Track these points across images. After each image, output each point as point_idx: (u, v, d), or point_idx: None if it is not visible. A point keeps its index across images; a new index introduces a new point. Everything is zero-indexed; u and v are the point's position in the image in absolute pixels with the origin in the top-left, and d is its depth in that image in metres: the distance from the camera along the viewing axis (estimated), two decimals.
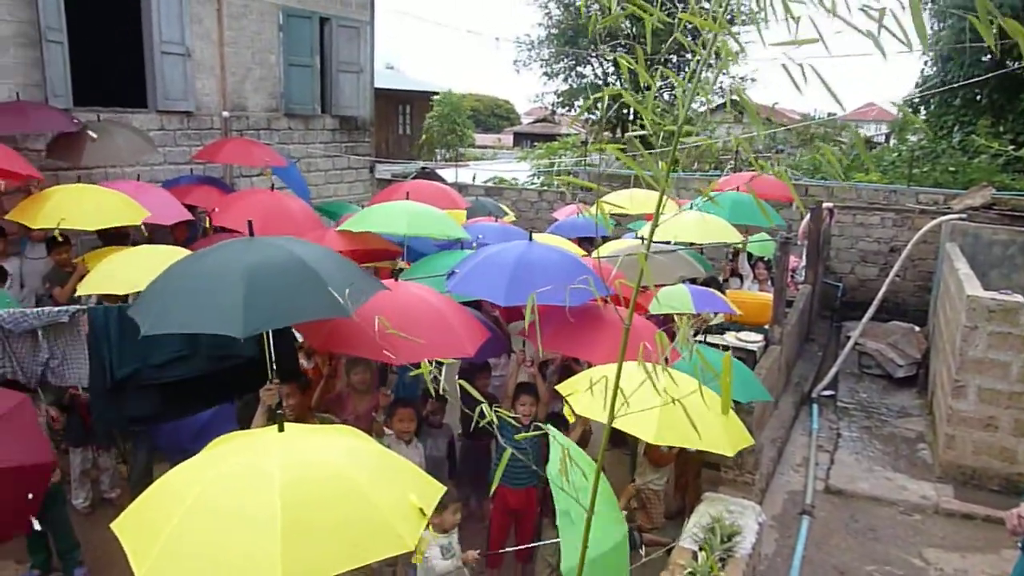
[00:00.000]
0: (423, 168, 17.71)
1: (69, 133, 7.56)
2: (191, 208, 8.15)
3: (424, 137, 24.88)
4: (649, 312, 6.13)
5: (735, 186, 8.80)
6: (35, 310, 4.91)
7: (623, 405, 2.15)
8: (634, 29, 25.48)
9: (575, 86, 27.75)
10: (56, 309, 4.94)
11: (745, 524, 4.73)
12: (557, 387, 4.58)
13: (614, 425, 2.21)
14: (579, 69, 27.59)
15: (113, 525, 2.68)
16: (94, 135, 7.53)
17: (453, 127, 25.27)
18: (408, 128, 26.78)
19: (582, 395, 4.15)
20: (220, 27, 9.66)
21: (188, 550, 2.40)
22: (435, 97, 25.62)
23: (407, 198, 7.27)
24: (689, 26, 2.34)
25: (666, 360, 2.05)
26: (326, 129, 11.80)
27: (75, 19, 8.17)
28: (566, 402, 4.13)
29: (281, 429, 2.80)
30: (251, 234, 4.40)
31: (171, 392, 5.23)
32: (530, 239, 5.86)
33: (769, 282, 9.42)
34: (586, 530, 2.22)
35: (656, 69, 2.41)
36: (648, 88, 2.16)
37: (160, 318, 3.87)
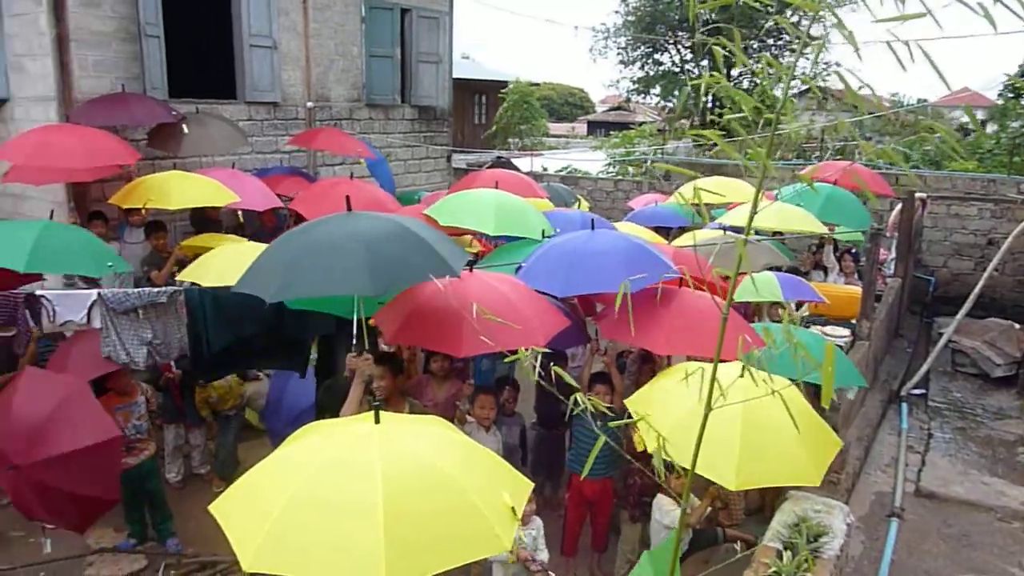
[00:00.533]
0: (499, 157, 17.77)
1: (167, 124, 7.87)
2: (280, 197, 8.41)
3: (495, 126, 24.92)
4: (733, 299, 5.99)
5: (832, 178, 8.45)
6: (136, 290, 5.16)
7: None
8: (713, 15, 24.88)
9: (651, 73, 27.34)
10: (155, 290, 5.19)
11: (832, 524, 4.58)
12: (627, 402, 4.44)
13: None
14: (656, 56, 27.16)
15: (211, 508, 2.72)
16: (187, 128, 7.82)
17: (525, 116, 25.22)
18: (483, 118, 26.88)
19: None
20: (306, 19, 9.88)
21: (292, 540, 2.41)
22: (509, 85, 25.59)
23: (496, 186, 7.18)
24: (772, 10, 2.26)
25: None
26: (405, 119, 11.95)
27: (170, 15, 8.49)
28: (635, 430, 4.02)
29: (377, 420, 2.79)
30: (349, 209, 4.47)
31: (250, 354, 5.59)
32: (592, 227, 5.77)
33: (856, 275, 9.07)
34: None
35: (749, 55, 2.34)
36: (727, 73, 2.08)
37: (285, 286, 3.95)
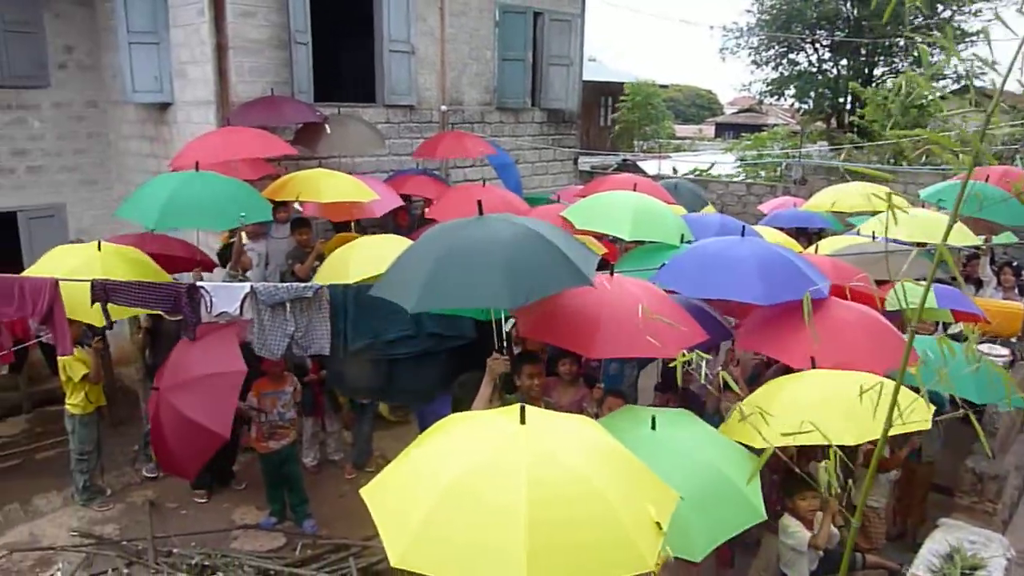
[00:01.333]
0: (624, 160, 17.61)
1: (311, 125, 8.30)
2: (406, 197, 8.70)
3: (617, 128, 24.66)
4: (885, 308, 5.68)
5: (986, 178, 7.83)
6: (285, 285, 5.45)
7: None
8: (855, 12, 23.60)
9: (786, 74, 26.28)
10: (302, 285, 5.46)
11: (989, 557, 4.26)
12: (746, 402, 4.29)
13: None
14: (791, 56, 26.07)
15: (363, 492, 2.82)
16: (328, 129, 8.21)
17: (650, 117, 24.83)
18: (609, 120, 26.73)
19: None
20: (442, 25, 10.14)
21: (437, 542, 2.45)
22: (632, 86, 25.29)
23: (635, 189, 7.13)
24: (921, 4, 2.10)
25: None
26: (535, 122, 12.04)
27: (316, 22, 8.93)
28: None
29: (523, 420, 2.75)
30: (480, 213, 4.55)
31: (395, 373, 5.68)
32: (743, 234, 5.61)
33: (1016, 290, 8.37)
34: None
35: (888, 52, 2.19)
36: (869, 72, 1.96)
37: (426, 296, 4.05)
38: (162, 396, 5.29)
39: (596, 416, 5.16)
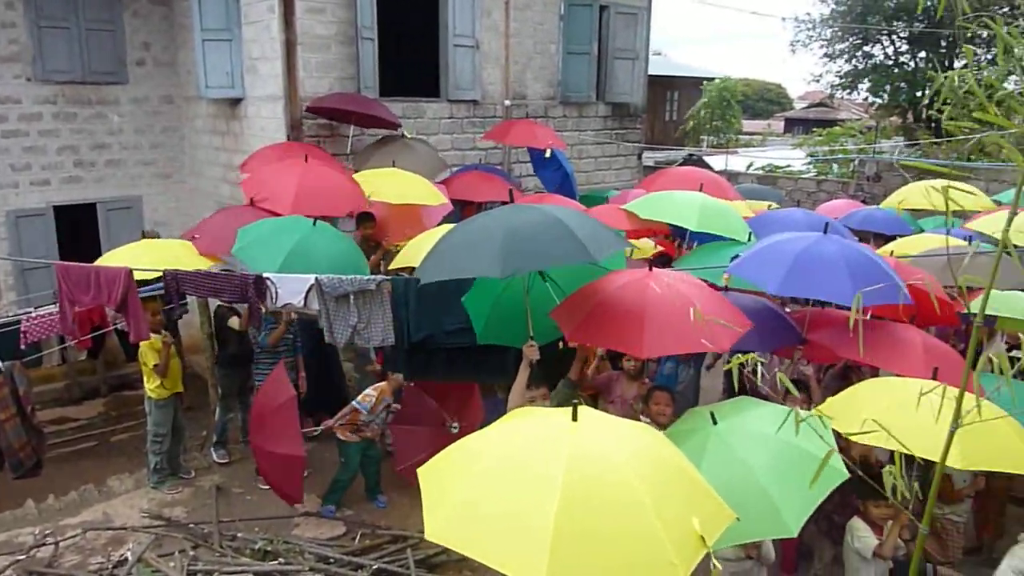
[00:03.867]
0: (690, 155, 17.32)
1: (379, 146, 8.46)
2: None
3: (690, 123, 24.25)
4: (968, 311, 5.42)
5: None
6: (349, 277, 5.52)
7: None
8: (931, 2, 22.49)
9: (860, 67, 25.39)
10: (365, 277, 5.53)
11: None
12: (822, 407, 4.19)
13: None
14: (866, 48, 25.16)
15: (419, 470, 2.92)
16: (394, 162, 7.94)
17: (723, 113, 24.37)
18: (674, 114, 26.31)
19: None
20: (507, 19, 10.12)
21: (471, 518, 2.54)
22: (711, 82, 24.79)
23: (701, 189, 7.01)
24: None
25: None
26: (599, 116, 11.92)
27: (382, 18, 9.02)
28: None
29: (575, 417, 2.76)
30: (511, 201, 4.99)
31: (452, 362, 5.76)
32: (825, 231, 5.40)
33: None
34: None
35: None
36: (949, 66, 1.84)
37: (433, 269, 4.44)
38: (253, 445, 6.04)
39: (643, 411, 5.08)
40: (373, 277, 5.54)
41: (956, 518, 5.25)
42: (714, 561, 2.39)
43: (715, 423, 3.81)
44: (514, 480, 2.57)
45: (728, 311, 4.70)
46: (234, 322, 6.79)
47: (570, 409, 2.80)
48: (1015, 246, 6.27)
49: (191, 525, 6.03)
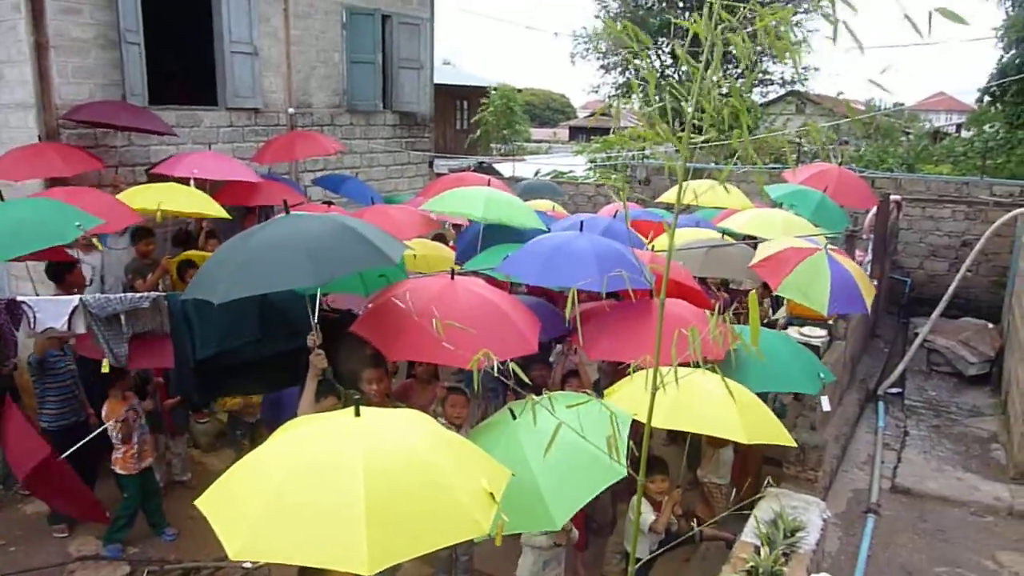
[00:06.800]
0: (480, 163, 17.85)
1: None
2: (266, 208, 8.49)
3: (480, 132, 24.98)
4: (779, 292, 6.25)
5: (822, 185, 8.68)
6: (118, 295, 5.16)
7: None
8: (694, 19, 25.00)
9: (632, 78, 27.57)
10: (138, 295, 5.19)
11: (809, 520, 4.68)
12: (605, 391, 4.61)
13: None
14: (636, 62, 27.35)
15: (197, 502, 2.78)
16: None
17: (509, 121, 25.31)
18: (465, 123, 26.95)
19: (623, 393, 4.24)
20: (287, 26, 9.89)
21: (280, 525, 2.50)
22: (491, 91, 25.66)
23: (488, 184, 7.45)
24: (751, 15, 2.35)
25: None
26: (387, 125, 11.98)
27: (149, 21, 8.48)
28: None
29: (357, 413, 2.86)
30: (287, 212, 4.83)
31: (244, 373, 5.59)
32: (580, 229, 5.93)
33: None
34: None
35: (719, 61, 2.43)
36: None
37: (230, 286, 4.17)
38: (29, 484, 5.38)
39: (440, 414, 5.24)
40: (146, 295, 5.20)
41: (719, 481, 5.89)
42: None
43: (514, 418, 4.01)
44: (314, 480, 2.59)
45: (527, 315, 5.06)
46: None
47: (350, 409, 2.87)
48: (751, 237, 7.17)
49: None
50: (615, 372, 5.93)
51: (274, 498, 2.54)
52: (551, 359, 6.55)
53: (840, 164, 12.59)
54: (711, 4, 2.19)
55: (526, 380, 2.23)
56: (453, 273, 5.08)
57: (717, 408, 4.13)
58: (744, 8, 2.19)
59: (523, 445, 3.85)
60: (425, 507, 2.58)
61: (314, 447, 2.74)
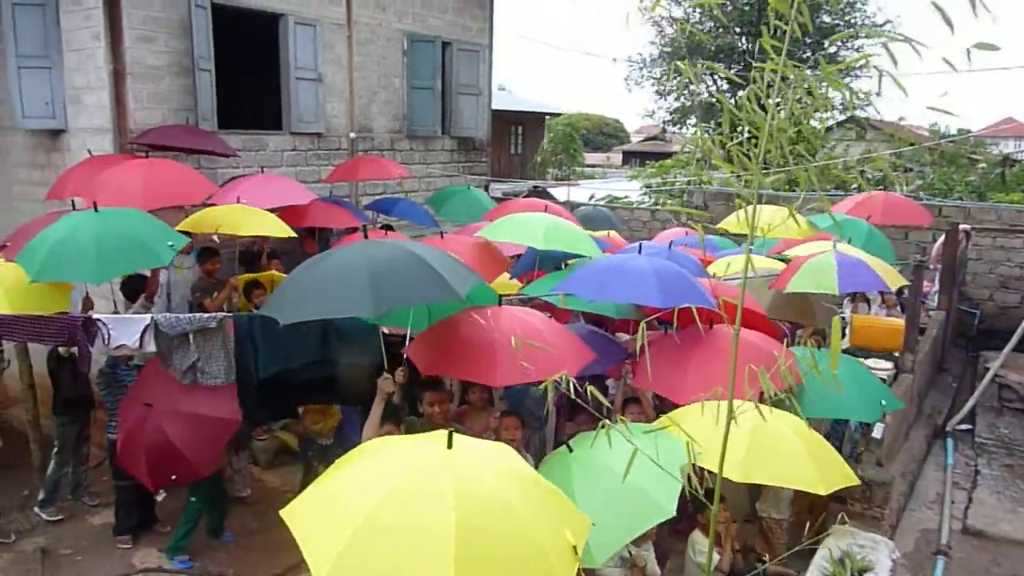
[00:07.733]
0: (535, 187, 17.92)
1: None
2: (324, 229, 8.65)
3: (540, 156, 25.11)
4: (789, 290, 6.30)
5: (866, 214, 8.49)
6: (187, 315, 5.31)
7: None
8: (748, 45, 24.91)
9: (688, 104, 27.41)
10: (206, 315, 5.33)
11: (877, 560, 4.52)
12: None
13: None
14: (692, 87, 27.23)
15: (283, 513, 2.78)
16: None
17: (568, 147, 25.42)
18: (519, 148, 27.14)
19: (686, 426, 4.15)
20: (350, 53, 10.14)
21: (363, 566, 2.47)
22: (555, 117, 25.80)
23: (546, 210, 7.44)
24: (809, 40, 2.33)
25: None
26: (445, 150, 12.14)
27: (220, 49, 8.78)
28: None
29: (450, 445, 2.79)
30: (365, 236, 4.93)
31: (305, 392, 5.69)
32: (639, 251, 5.95)
33: (898, 307, 8.96)
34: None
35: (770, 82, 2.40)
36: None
37: (295, 308, 4.24)
38: (154, 415, 5.31)
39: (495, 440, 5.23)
40: (214, 315, 5.35)
41: (778, 516, 5.73)
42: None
43: (571, 451, 4.05)
44: (402, 516, 2.54)
45: (578, 343, 5.02)
46: None
47: (443, 436, 2.82)
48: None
49: None
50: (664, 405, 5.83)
51: (361, 532, 2.50)
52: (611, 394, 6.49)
53: (903, 192, 12.29)
54: (771, 29, 2.16)
55: (604, 402, 2.21)
56: (500, 300, 5.09)
57: (792, 458, 4.03)
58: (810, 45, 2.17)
59: (573, 477, 3.82)
60: (512, 554, 2.53)
61: (406, 479, 2.69)
